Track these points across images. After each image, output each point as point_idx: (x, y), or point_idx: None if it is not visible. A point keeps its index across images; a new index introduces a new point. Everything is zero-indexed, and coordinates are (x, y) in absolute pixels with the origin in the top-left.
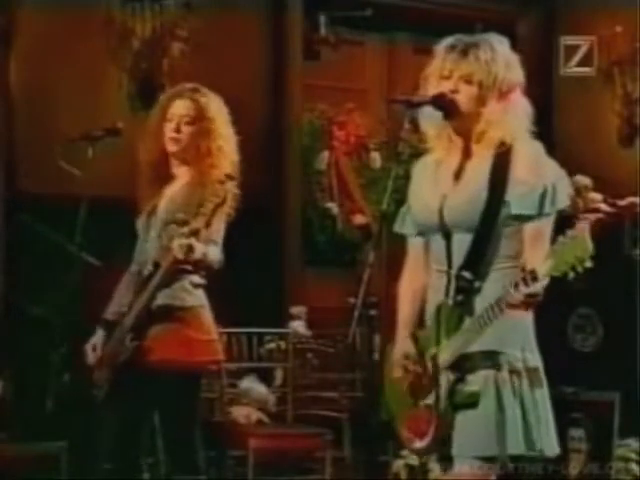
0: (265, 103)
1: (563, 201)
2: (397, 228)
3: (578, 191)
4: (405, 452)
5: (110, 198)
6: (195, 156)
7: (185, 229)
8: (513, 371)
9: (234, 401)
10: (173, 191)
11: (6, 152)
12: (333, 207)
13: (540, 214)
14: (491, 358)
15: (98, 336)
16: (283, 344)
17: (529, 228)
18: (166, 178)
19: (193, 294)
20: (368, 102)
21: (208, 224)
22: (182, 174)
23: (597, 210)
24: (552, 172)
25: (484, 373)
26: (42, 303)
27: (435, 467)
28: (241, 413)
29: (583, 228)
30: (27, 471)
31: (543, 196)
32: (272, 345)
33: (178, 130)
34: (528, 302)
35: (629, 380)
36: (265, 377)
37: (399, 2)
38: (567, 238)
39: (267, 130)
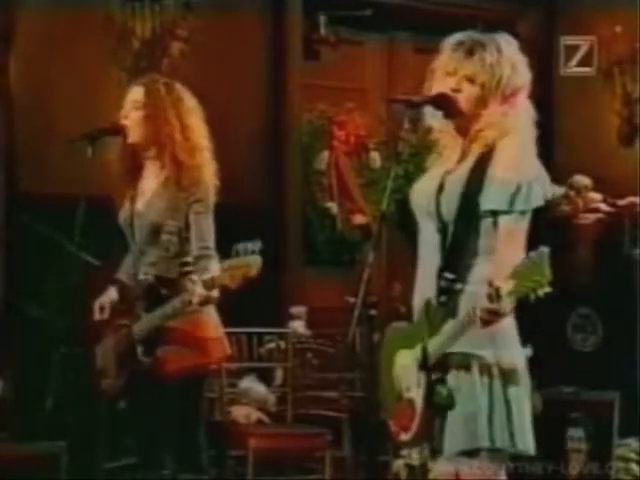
0: (265, 103)
1: (537, 200)
2: None
3: (578, 191)
4: (405, 452)
5: (110, 198)
6: (151, 144)
7: (205, 277)
8: (484, 367)
9: (234, 401)
10: (151, 189)
11: (6, 152)
12: (333, 207)
13: (512, 210)
14: (462, 358)
15: (108, 295)
16: (283, 344)
17: (503, 223)
18: (134, 170)
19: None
20: (368, 102)
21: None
22: (152, 169)
23: (597, 210)
24: (531, 170)
25: (457, 372)
26: (42, 303)
27: (435, 467)
28: (241, 413)
29: (543, 253)
30: (27, 471)
31: (516, 193)
32: (272, 345)
33: (127, 116)
34: (491, 319)
35: (629, 380)
36: (265, 377)
37: (399, 2)
38: (529, 261)
39: (267, 130)
